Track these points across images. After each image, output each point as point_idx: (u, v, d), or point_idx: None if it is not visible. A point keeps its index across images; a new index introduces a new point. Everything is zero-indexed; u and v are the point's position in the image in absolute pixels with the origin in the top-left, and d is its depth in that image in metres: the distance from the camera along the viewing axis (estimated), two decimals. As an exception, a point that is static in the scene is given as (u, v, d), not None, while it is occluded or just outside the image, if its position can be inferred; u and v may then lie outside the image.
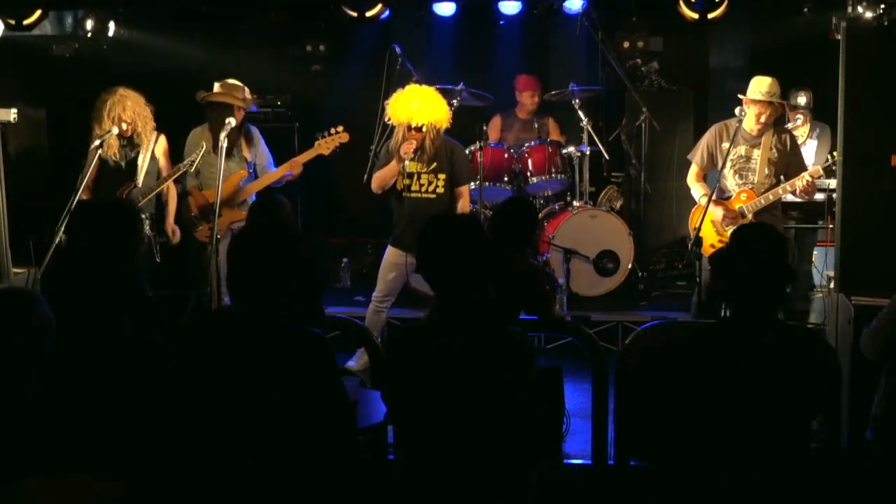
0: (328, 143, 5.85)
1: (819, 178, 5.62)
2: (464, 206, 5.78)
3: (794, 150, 5.73)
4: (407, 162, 5.56)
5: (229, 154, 5.71)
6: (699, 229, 5.57)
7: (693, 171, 5.86)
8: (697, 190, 5.81)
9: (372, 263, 7.84)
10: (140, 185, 5.80)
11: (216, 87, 5.95)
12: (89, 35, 6.79)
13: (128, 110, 5.73)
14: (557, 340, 6.24)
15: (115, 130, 5.70)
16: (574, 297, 6.74)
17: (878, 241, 4.86)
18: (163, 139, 5.94)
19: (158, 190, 5.82)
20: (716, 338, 2.98)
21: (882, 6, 4.81)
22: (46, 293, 3.63)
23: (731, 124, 5.70)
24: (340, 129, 5.86)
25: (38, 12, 5.81)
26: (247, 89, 6.04)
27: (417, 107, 5.56)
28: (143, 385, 3.14)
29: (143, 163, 5.83)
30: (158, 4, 6.51)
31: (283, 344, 2.85)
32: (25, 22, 5.79)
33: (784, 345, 2.88)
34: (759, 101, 5.53)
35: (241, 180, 5.89)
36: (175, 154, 5.96)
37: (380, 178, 5.73)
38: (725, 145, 5.65)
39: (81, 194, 5.48)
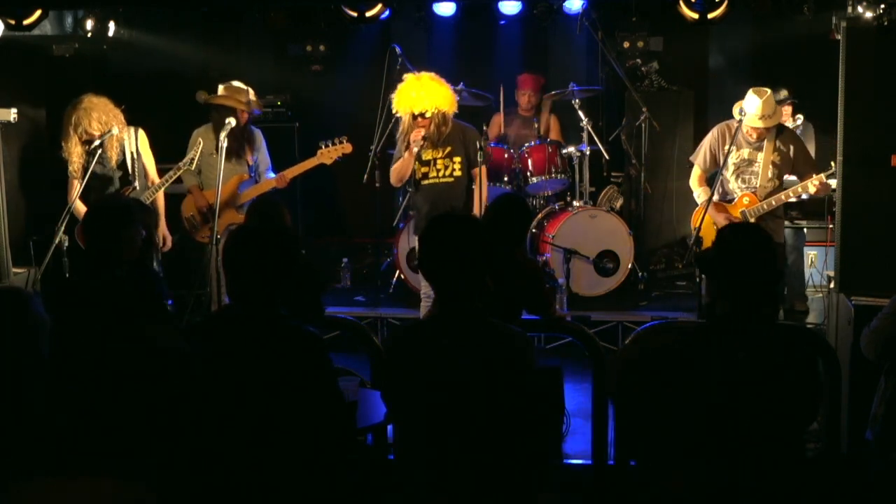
0: (331, 153, 5.81)
1: (829, 177, 5.50)
2: (484, 187, 5.70)
3: (799, 149, 5.61)
4: (418, 150, 5.51)
5: (231, 155, 5.67)
6: (699, 229, 5.55)
7: (696, 173, 5.77)
8: (700, 194, 5.73)
9: (372, 264, 7.85)
10: (137, 186, 5.74)
11: (220, 89, 5.90)
12: (89, 35, 6.79)
13: (94, 122, 5.57)
14: (557, 340, 6.23)
15: (114, 131, 5.63)
16: (574, 297, 6.74)
17: (878, 241, 4.87)
18: (142, 134, 5.82)
19: (162, 189, 5.74)
20: (707, 337, 2.98)
21: (882, 6, 4.81)
22: (61, 295, 3.63)
23: (732, 125, 5.59)
24: (345, 139, 5.83)
25: (38, 12, 5.81)
26: (251, 91, 5.98)
27: (417, 95, 5.56)
28: (155, 386, 3.14)
29: (131, 163, 5.74)
30: (158, 4, 6.51)
31: (279, 342, 2.86)
32: (25, 22, 5.79)
33: (775, 344, 2.88)
34: (758, 128, 5.46)
35: (241, 183, 5.85)
36: (177, 154, 5.94)
37: (396, 171, 5.69)
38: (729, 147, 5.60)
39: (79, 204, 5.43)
